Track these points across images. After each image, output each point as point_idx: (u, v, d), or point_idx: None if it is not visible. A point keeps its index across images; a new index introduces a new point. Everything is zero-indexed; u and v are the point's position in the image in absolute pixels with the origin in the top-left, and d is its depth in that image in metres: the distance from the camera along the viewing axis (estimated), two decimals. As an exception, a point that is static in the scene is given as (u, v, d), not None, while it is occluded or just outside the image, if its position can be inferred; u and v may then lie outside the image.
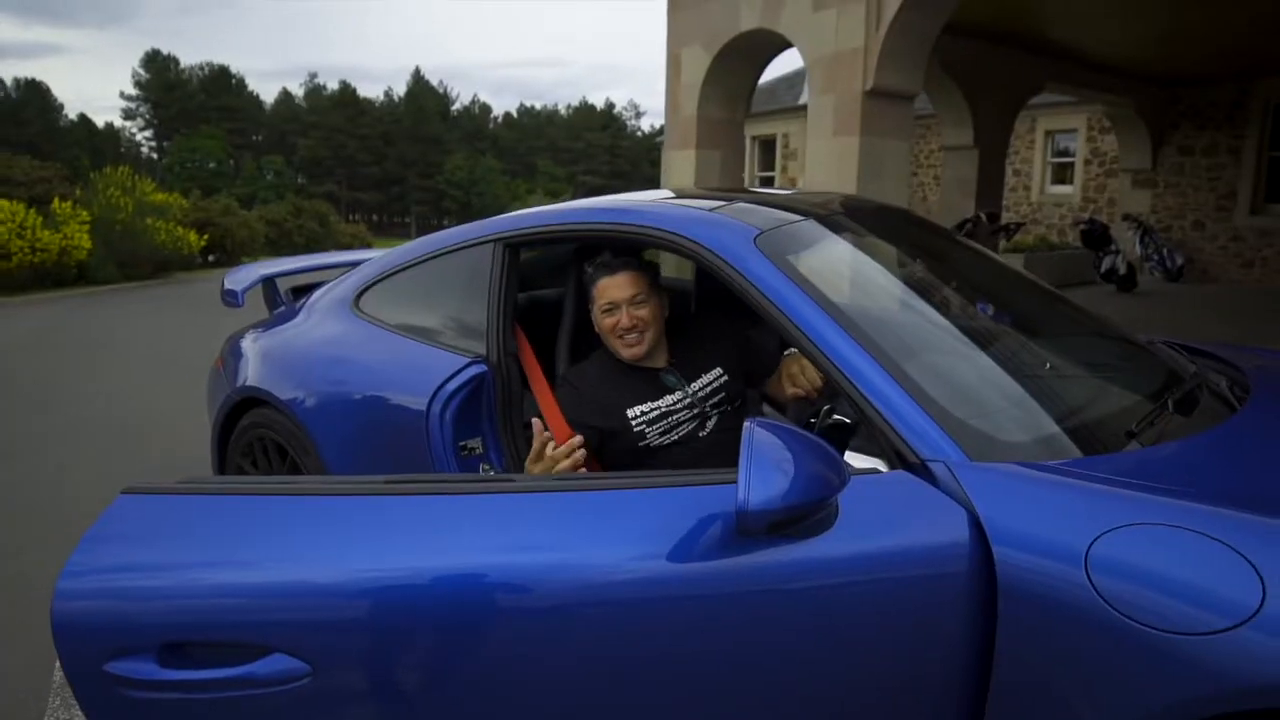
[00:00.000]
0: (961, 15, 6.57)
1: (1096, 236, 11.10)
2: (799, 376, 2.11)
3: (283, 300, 3.41)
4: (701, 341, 2.29)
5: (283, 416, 2.54)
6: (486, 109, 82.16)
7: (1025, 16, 8.40)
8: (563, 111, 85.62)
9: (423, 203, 71.55)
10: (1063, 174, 15.60)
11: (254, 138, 74.19)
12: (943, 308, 1.95)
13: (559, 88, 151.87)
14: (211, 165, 64.27)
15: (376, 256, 2.89)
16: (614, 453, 2.18)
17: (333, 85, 75.58)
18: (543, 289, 2.72)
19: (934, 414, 1.45)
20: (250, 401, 2.72)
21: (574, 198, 35.45)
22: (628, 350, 2.16)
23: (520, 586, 1.18)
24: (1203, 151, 11.68)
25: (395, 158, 69.38)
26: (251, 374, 2.72)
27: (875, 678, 1.32)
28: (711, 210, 1.94)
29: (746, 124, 18.69)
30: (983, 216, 9.57)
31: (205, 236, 18.11)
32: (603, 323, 2.17)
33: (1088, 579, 1.21)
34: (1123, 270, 10.84)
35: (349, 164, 69.42)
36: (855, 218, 2.20)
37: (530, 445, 1.95)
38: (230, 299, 3.37)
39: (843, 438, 1.76)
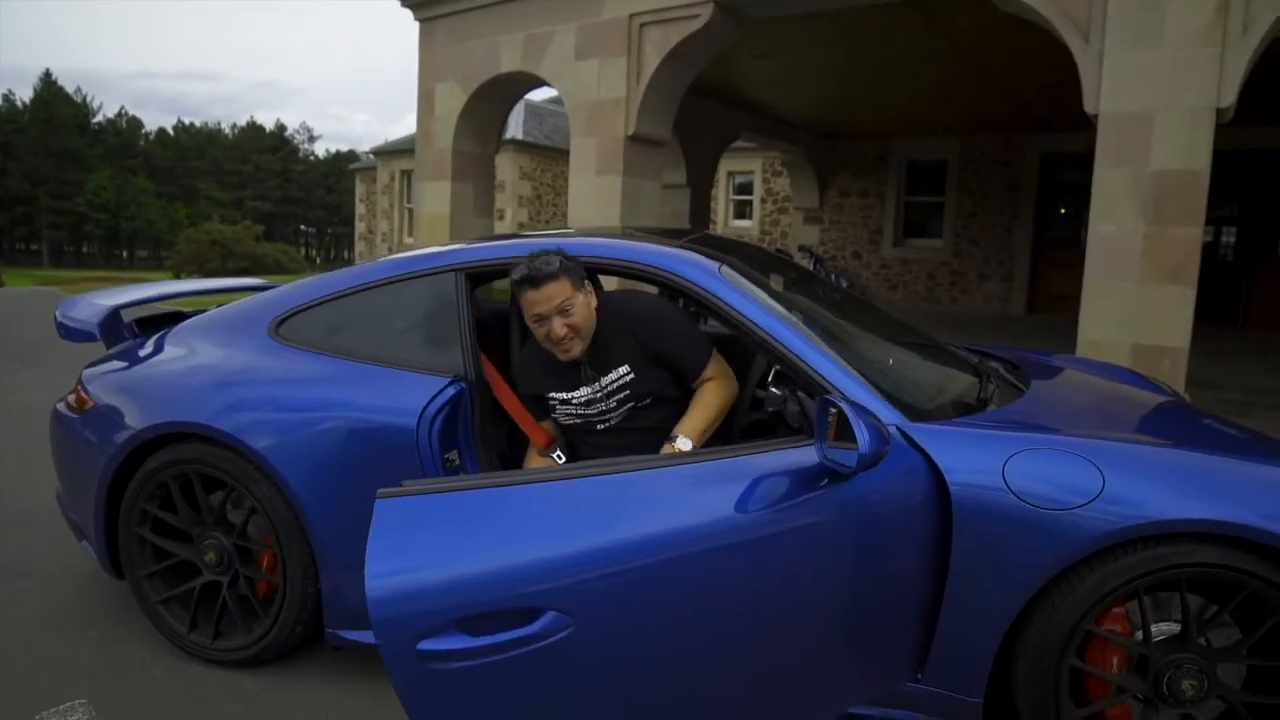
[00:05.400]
0: (689, 74, 7.57)
1: (784, 264, 13.08)
2: None
3: (129, 333, 3.26)
4: (611, 339, 2.36)
5: (219, 449, 2.52)
6: (136, 123, 72.75)
7: (730, 79, 9.80)
8: (227, 131, 78.66)
9: (57, 227, 61.49)
10: (742, 209, 17.86)
11: None
12: (832, 316, 2.60)
13: (215, 105, 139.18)
14: None
15: (285, 287, 2.94)
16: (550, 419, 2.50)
17: (-75, 83, 62.66)
18: None
19: (879, 393, 2.07)
20: (159, 440, 2.63)
21: (249, 224, 32.29)
22: (564, 355, 2.31)
23: (693, 535, 1.61)
24: (857, 194, 14.24)
25: (20, 173, 58.83)
26: (167, 409, 2.61)
27: (887, 562, 1.93)
28: (672, 246, 2.41)
29: (407, 158, 18.95)
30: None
31: None
32: (538, 333, 2.31)
33: (1005, 484, 1.90)
34: (807, 293, 12.87)
35: (-48, 179, 57.87)
36: (735, 251, 2.80)
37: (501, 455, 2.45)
38: (81, 334, 3.16)
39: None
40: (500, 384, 2.57)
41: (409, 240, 19.23)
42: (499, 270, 2.55)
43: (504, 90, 8.24)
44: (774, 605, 1.75)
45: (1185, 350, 4.69)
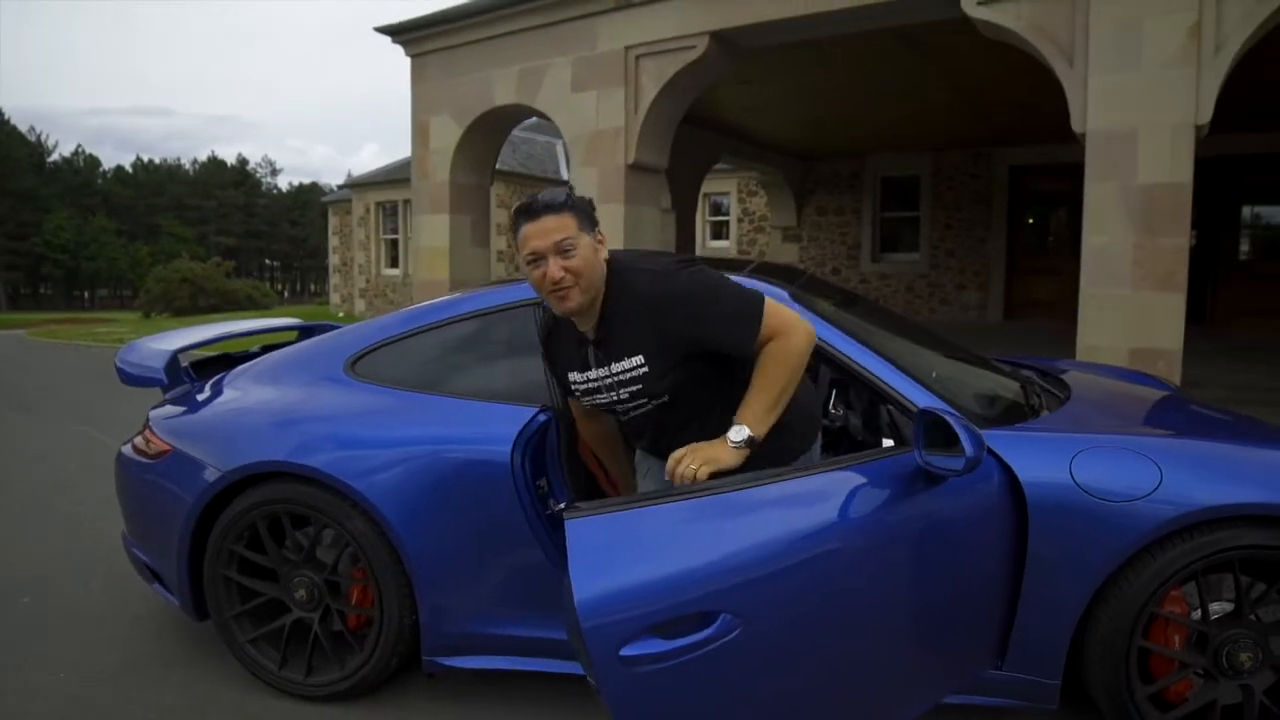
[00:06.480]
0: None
1: (768, 282, 13.34)
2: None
3: (186, 377, 3.35)
4: (621, 319, 1.98)
5: (312, 487, 2.59)
6: (94, 161, 71.79)
7: (714, 105, 10.06)
8: (187, 167, 77.93)
9: (14, 268, 60.37)
10: (719, 230, 18.14)
11: None
12: (890, 336, 2.78)
13: (171, 140, 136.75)
14: None
15: (352, 327, 3.07)
16: (566, 390, 2.24)
17: (-128, 127, 61.32)
18: None
19: (951, 404, 2.26)
20: (242, 482, 2.67)
21: (219, 260, 31.85)
22: (560, 305, 1.95)
23: (809, 542, 1.79)
24: (834, 212, 14.59)
25: (-26, 216, 57.89)
26: (255, 449, 2.67)
27: (972, 559, 2.11)
28: (740, 276, 2.58)
29: (382, 190, 19.10)
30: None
31: None
32: (531, 277, 1.95)
33: (1073, 480, 2.10)
34: (791, 309, 13.14)
35: (-97, 224, 56.59)
36: (792, 277, 2.98)
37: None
38: (145, 379, 3.24)
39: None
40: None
41: (389, 272, 19.26)
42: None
43: (499, 122, 8.42)
44: (884, 601, 1.93)
45: (1179, 352, 4.97)
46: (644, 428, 2.12)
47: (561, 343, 2.14)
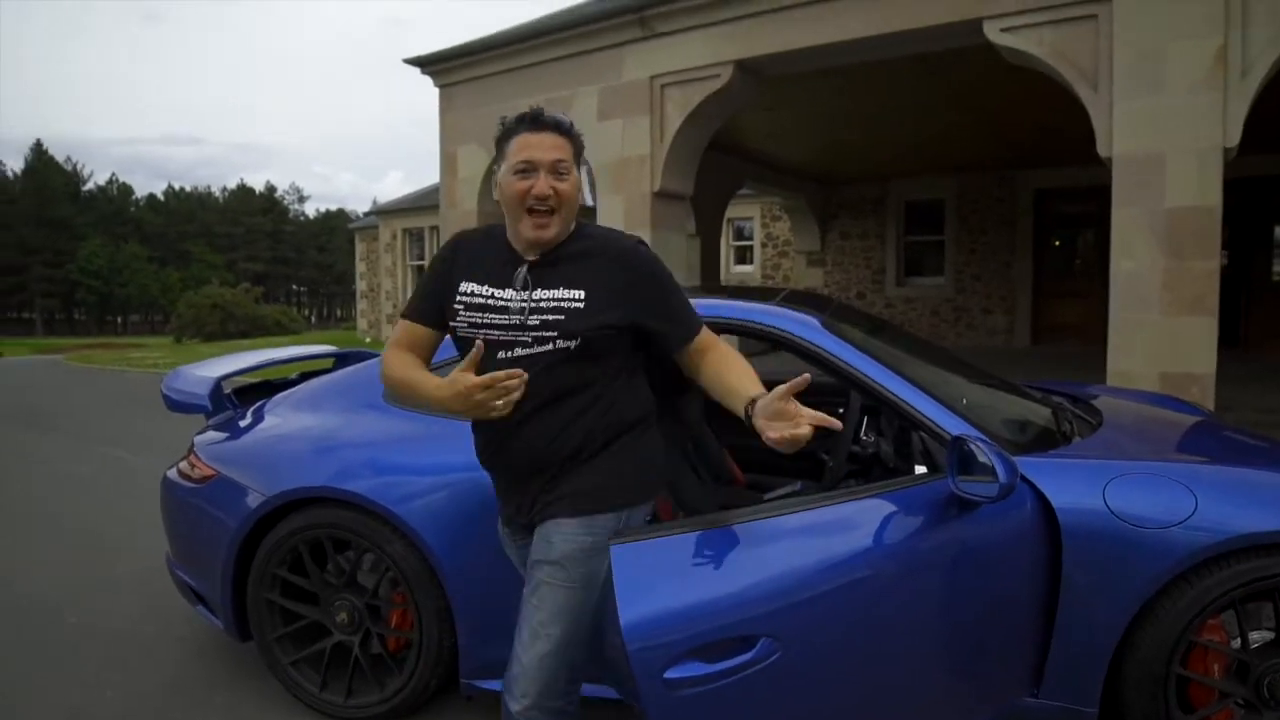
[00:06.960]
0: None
1: (792, 306, 13.37)
2: (781, 426, 1.57)
3: (229, 403, 3.43)
4: (577, 258, 1.83)
5: (353, 511, 2.65)
6: (127, 189, 73.62)
7: (737, 132, 10.16)
8: (217, 194, 79.56)
9: (51, 295, 61.82)
10: (743, 255, 18.20)
11: None
12: (920, 362, 2.80)
13: (200, 167, 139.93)
14: None
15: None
16: (429, 310, 1.94)
17: (-83, 159, 63.30)
18: None
19: (983, 431, 2.28)
20: (285, 507, 2.74)
21: (248, 286, 32.15)
22: (534, 231, 1.78)
23: (844, 568, 1.82)
24: (858, 236, 14.62)
25: (14, 244, 59.28)
26: (298, 475, 2.74)
27: (1006, 585, 2.13)
28: (770, 305, 2.63)
29: (408, 217, 19.30)
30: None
31: None
32: (512, 187, 1.77)
33: (1106, 507, 2.11)
34: (815, 333, 13.14)
35: (-54, 252, 58.15)
36: (822, 306, 3.02)
37: None
38: (190, 405, 3.32)
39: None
40: None
41: (415, 296, 19.46)
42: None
43: (526, 152, 8.54)
44: (918, 627, 1.95)
45: (1212, 376, 4.93)
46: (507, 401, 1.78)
47: (482, 253, 1.90)
